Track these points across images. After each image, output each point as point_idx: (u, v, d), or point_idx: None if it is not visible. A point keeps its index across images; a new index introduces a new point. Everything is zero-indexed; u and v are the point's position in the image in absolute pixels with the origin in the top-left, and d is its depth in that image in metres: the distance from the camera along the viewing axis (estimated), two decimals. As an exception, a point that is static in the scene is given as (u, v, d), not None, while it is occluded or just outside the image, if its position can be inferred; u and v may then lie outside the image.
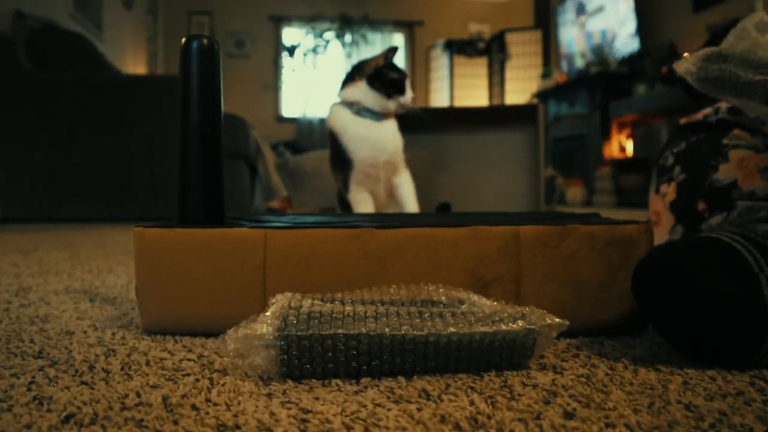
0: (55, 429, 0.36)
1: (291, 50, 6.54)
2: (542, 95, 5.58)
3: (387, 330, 0.44)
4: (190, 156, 0.61)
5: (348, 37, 6.60)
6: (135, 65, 5.37)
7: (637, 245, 0.58)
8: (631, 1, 4.58)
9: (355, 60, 6.63)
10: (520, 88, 6.08)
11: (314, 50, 6.58)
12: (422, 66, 6.82)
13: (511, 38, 6.13)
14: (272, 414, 0.38)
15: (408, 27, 6.83)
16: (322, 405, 0.39)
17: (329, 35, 6.58)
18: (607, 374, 0.46)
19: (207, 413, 0.38)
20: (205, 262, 0.56)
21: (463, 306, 0.49)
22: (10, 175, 2.57)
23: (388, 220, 0.64)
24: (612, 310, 0.57)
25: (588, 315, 0.57)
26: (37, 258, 1.28)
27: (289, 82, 6.59)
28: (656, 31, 4.53)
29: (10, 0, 2.95)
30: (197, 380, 0.44)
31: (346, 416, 0.37)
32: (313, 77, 6.59)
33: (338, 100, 1.54)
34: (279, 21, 6.58)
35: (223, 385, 0.43)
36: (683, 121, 0.86)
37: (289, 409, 0.39)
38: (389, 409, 0.38)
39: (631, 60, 4.60)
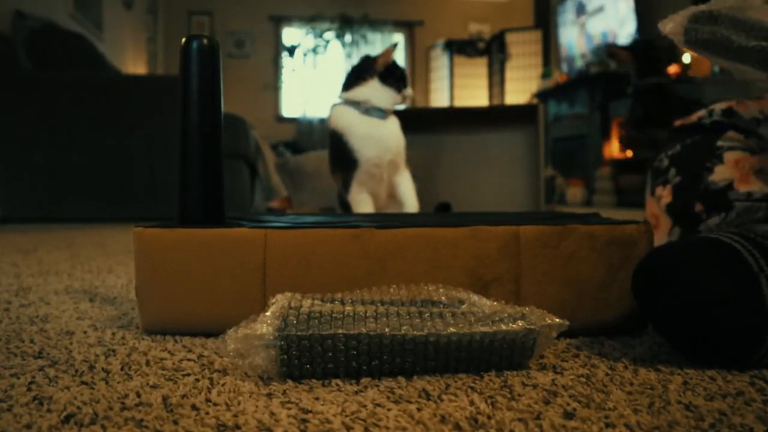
0: (55, 429, 0.36)
1: (291, 50, 6.54)
2: (542, 95, 5.58)
3: (387, 330, 0.44)
4: (190, 156, 0.61)
5: (348, 37, 6.60)
6: (135, 65, 5.37)
7: (637, 245, 0.58)
8: (631, 1, 4.58)
9: (355, 60, 6.64)
10: (520, 88, 6.08)
11: (314, 50, 6.58)
12: (422, 66, 6.82)
13: (511, 38, 6.13)
14: (272, 414, 0.38)
15: (408, 27, 6.83)
16: (322, 405, 0.39)
17: (329, 35, 6.58)
18: (607, 374, 0.46)
19: (207, 413, 0.38)
20: (205, 262, 0.56)
21: (463, 306, 0.49)
22: (10, 175, 2.57)
23: (388, 220, 0.64)
24: (612, 310, 0.57)
25: (588, 315, 0.57)
26: (37, 258, 1.28)
27: (289, 82, 6.59)
28: (656, 31, 4.53)
29: (10, 0, 2.95)
30: (197, 380, 0.44)
31: (346, 416, 0.37)
32: (313, 77, 6.60)
33: (339, 100, 1.54)
34: (279, 21, 6.58)
35: (223, 385, 0.43)
36: (678, 123, 0.86)
37: (289, 409, 0.39)
38: (389, 409, 0.38)
39: (631, 60, 4.59)
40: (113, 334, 0.59)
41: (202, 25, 6.40)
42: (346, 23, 6.52)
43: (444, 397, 0.41)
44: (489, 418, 0.37)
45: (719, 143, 0.76)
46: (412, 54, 6.84)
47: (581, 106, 4.93)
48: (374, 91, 1.50)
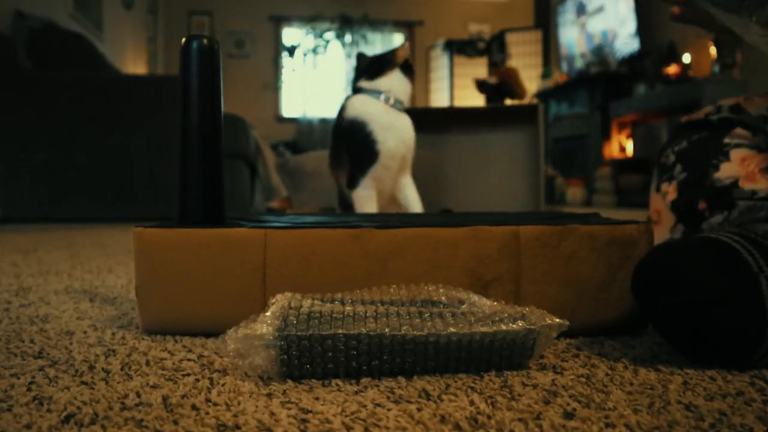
0: (55, 429, 0.36)
1: (291, 50, 6.54)
2: (542, 95, 5.58)
3: (387, 330, 0.44)
4: (190, 156, 0.61)
5: (348, 37, 6.60)
6: (135, 65, 5.37)
7: (637, 245, 0.58)
8: (631, 1, 4.58)
9: (355, 60, 6.64)
10: (520, 88, 6.07)
11: (314, 50, 6.58)
12: (422, 66, 6.82)
13: (511, 38, 6.13)
14: (272, 414, 0.38)
15: (408, 27, 6.83)
16: (322, 405, 0.39)
17: (329, 35, 6.58)
18: (607, 374, 0.46)
19: (207, 413, 0.38)
20: (205, 262, 0.56)
21: (463, 306, 0.49)
22: (10, 175, 2.57)
23: (388, 220, 0.64)
24: (612, 310, 0.57)
25: (588, 315, 0.57)
26: (37, 258, 1.28)
27: (289, 82, 6.59)
28: (656, 31, 4.53)
29: (10, 0, 2.95)
30: (197, 380, 0.44)
31: (346, 416, 0.37)
32: (313, 77, 6.60)
33: (359, 89, 1.52)
34: (279, 21, 6.58)
35: (223, 385, 0.43)
36: (685, 119, 0.86)
37: (289, 409, 0.39)
38: (389, 409, 0.38)
39: (631, 60, 4.60)
40: (113, 334, 0.59)
41: (202, 25, 6.40)
42: (346, 23, 6.52)
43: (444, 397, 0.41)
44: (489, 418, 0.37)
45: (726, 140, 0.75)
46: (412, 54, 6.84)
47: (581, 106, 4.93)
48: (397, 83, 1.50)
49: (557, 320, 0.46)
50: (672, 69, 4.19)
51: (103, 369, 0.47)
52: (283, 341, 0.43)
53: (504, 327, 0.45)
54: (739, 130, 0.75)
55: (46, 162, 2.59)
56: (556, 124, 5.35)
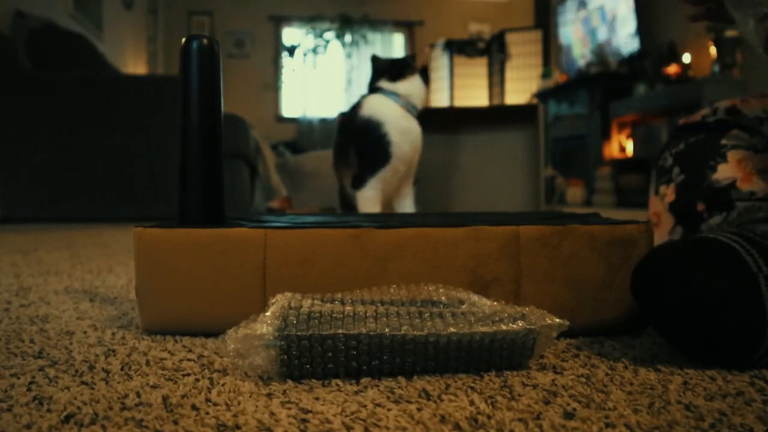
0: (55, 429, 0.36)
1: (291, 50, 6.54)
2: (542, 95, 5.58)
3: (387, 330, 0.44)
4: (190, 156, 0.61)
5: (348, 37, 6.60)
6: (135, 65, 5.37)
7: (637, 245, 0.58)
8: (631, 1, 4.58)
9: (355, 60, 6.64)
10: (520, 88, 6.08)
11: (314, 50, 6.58)
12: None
13: (511, 38, 6.13)
14: (272, 414, 0.38)
15: (408, 27, 6.83)
16: (322, 405, 0.39)
17: (329, 35, 6.58)
18: (607, 374, 0.46)
19: (207, 413, 0.38)
20: (205, 262, 0.56)
21: (463, 306, 0.49)
22: (10, 175, 2.57)
23: (388, 220, 0.64)
24: (612, 310, 0.57)
25: (588, 315, 0.57)
26: (37, 258, 1.28)
27: (289, 82, 6.59)
28: (656, 31, 4.53)
29: (10, 0, 2.95)
30: (197, 380, 0.44)
31: (346, 416, 0.37)
32: (313, 77, 6.60)
33: (376, 91, 1.51)
34: (279, 21, 6.58)
35: (223, 385, 0.43)
36: (682, 121, 0.86)
37: (289, 409, 0.39)
38: (389, 409, 0.39)
39: (631, 60, 4.60)
40: (113, 334, 0.59)
41: (202, 25, 6.40)
42: (346, 23, 6.52)
43: (444, 397, 0.41)
44: (489, 418, 0.37)
45: (723, 142, 0.76)
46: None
47: (581, 106, 4.93)
48: (416, 88, 1.50)
49: (557, 320, 0.46)
50: (672, 69, 4.19)
51: (103, 369, 0.47)
52: (283, 341, 0.43)
53: (504, 327, 0.45)
54: (735, 132, 0.76)
55: (46, 162, 2.59)
56: (556, 124, 5.35)
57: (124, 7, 5.05)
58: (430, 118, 2.22)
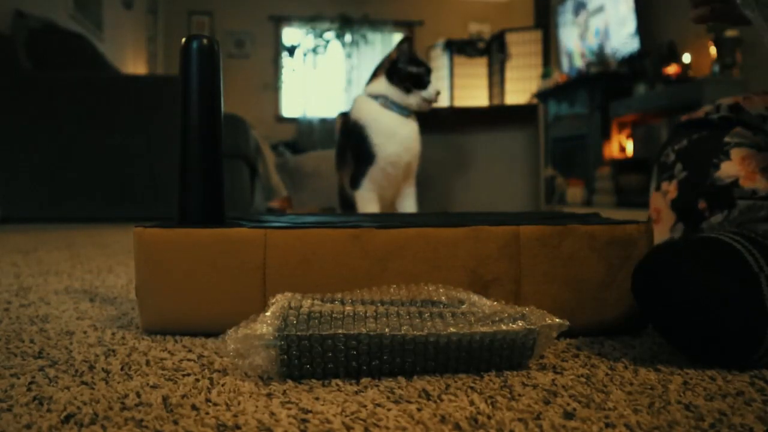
0: (55, 429, 0.36)
1: (291, 50, 6.54)
2: (542, 95, 5.58)
3: (387, 330, 0.44)
4: (190, 156, 0.61)
5: (348, 37, 6.60)
6: (135, 65, 5.36)
7: (637, 245, 0.58)
8: (631, 1, 4.58)
9: (355, 60, 6.65)
10: (520, 88, 6.08)
11: (314, 50, 6.58)
12: (422, 66, 6.81)
13: (511, 38, 6.12)
14: (272, 414, 0.38)
15: (408, 27, 6.82)
16: (322, 405, 0.39)
17: (329, 35, 6.57)
18: (607, 374, 0.46)
19: (207, 413, 0.38)
20: (205, 262, 0.56)
21: (463, 306, 0.49)
22: (10, 175, 2.57)
23: (388, 220, 0.64)
24: (612, 310, 0.57)
25: (588, 315, 0.57)
26: (37, 258, 1.28)
27: (289, 82, 6.59)
28: (656, 31, 4.53)
29: (10, 0, 2.95)
30: (197, 380, 0.44)
31: (346, 416, 0.37)
32: (313, 77, 6.59)
33: (363, 93, 1.51)
34: (279, 21, 6.58)
35: (223, 385, 0.43)
36: (684, 118, 0.86)
37: (289, 409, 0.39)
38: (389, 409, 0.38)
39: (631, 60, 4.60)
40: (113, 334, 0.59)
41: (202, 25, 6.40)
42: (346, 23, 6.52)
43: (444, 397, 0.41)
44: (489, 418, 0.37)
45: (726, 139, 0.75)
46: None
47: (581, 106, 4.93)
48: (385, 89, 1.49)
49: (557, 320, 0.46)
50: (672, 69, 4.18)
51: (103, 369, 0.47)
52: (283, 341, 0.43)
53: (504, 327, 0.45)
54: (739, 129, 0.75)
55: (46, 162, 2.59)
56: (556, 124, 5.35)
57: (124, 7, 5.05)
58: (430, 118, 2.22)
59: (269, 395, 0.41)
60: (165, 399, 0.40)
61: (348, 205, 1.55)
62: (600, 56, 4.87)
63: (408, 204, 1.54)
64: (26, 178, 2.58)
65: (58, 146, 2.60)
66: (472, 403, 0.40)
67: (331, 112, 6.38)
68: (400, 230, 0.57)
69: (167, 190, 2.66)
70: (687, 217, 0.77)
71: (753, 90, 0.81)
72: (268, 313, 0.45)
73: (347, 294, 0.52)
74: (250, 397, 0.41)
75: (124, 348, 0.54)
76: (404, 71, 1.47)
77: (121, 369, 0.47)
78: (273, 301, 0.48)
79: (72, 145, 2.61)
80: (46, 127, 2.59)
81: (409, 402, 0.40)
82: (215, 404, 0.40)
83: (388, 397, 0.41)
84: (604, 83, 4.65)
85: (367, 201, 1.45)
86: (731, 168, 0.73)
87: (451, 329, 0.44)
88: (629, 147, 4.64)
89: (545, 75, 5.71)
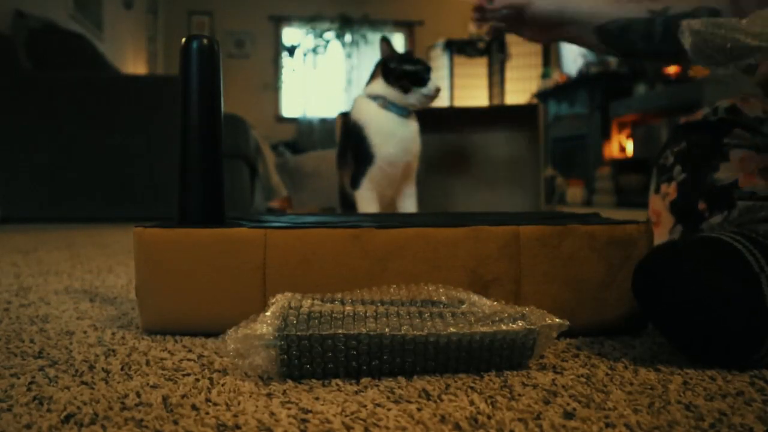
0: (55, 429, 0.36)
1: (291, 50, 6.54)
2: (542, 95, 5.58)
3: (387, 330, 0.44)
4: (190, 156, 0.61)
5: (348, 37, 6.60)
6: (135, 65, 5.36)
7: (637, 245, 0.58)
8: (631, 1, 4.57)
9: (355, 60, 6.65)
10: (520, 88, 6.08)
11: (314, 50, 6.58)
12: (422, 66, 6.81)
13: (511, 38, 6.12)
14: (272, 414, 0.38)
15: (408, 27, 6.83)
16: (322, 405, 0.39)
17: (329, 35, 6.58)
18: (607, 374, 0.46)
19: (207, 413, 0.38)
20: (205, 262, 0.56)
21: (463, 306, 0.49)
22: (10, 175, 2.57)
23: (388, 220, 0.64)
24: (612, 310, 0.57)
25: (588, 315, 0.57)
26: (37, 258, 1.28)
27: (289, 82, 6.59)
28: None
29: (10, 0, 2.95)
30: (197, 380, 0.44)
31: (346, 416, 0.37)
32: (313, 77, 6.59)
33: (363, 94, 1.51)
34: (279, 21, 6.58)
35: (223, 385, 0.43)
36: (683, 120, 0.86)
37: (289, 409, 0.39)
38: (389, 409, 0.38)
39: (631, 60, 4.60)
40: (113, 334, 0.59)
41: (202, 25, 6.40)
42: (346, 23, 6.52)
43: (444, 397, 0.41)
44: (489, 418, 0.37)
45: (725, 141, 0.75)
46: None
47: (581, 106, 4.93)
48: (383, 89, 1.49)
49: (557, 320, 0.46)
50: (672, 69, 4.18)
51: (103, 369, 0.47)
52: (283, 341, 0.43)
53: (504, 327, 0.45)
54: (737, 131, 0.75)
55: (46, 162, 2.59)
56: (556, 124, 5.35)
57: (124, 7, 5.05)
58: (430, 118, 2.22)
59: (269, 395, 0.41)
60: (165, 399, 0.40)
61: (349, 204, 1.55)
62: (599, 56, 4.87)
63: (408, 204, 1.54)
64: (26, 178, 2.58)
65: (58, 146, 2.60)
66: (472, 403, 0.40)
67: (331, 112, 6.38)
68: (400, 230, 0.57)
69: (167, 190, 2.66)
70: (686, 218, 0.77)
71: (751, 92, 0.81)
72: (268, 313, 0.45)
73: (347, 294, 0.52)
74: (250, 397, 0.41)
75: (124, 348, 0.54)
76: (399, 70, 1.45)
77: (121, 369, 0.47)
78: (273, 301, 0.48)
79: (72, 145, 2.61)
80: (46, 127, 2.59)
81: (409, 402, 0.40)
82: (215, 404, 0.40)
83: (388, 397, 0.41)
84: (604, 83, 4.66)
85: (367, 201, 1.46)
86: (730, 169, 0.73)
87: (451, 329, 0.44)
88: (629, 147, 4.65)
89: (545, 75, 5.71)
